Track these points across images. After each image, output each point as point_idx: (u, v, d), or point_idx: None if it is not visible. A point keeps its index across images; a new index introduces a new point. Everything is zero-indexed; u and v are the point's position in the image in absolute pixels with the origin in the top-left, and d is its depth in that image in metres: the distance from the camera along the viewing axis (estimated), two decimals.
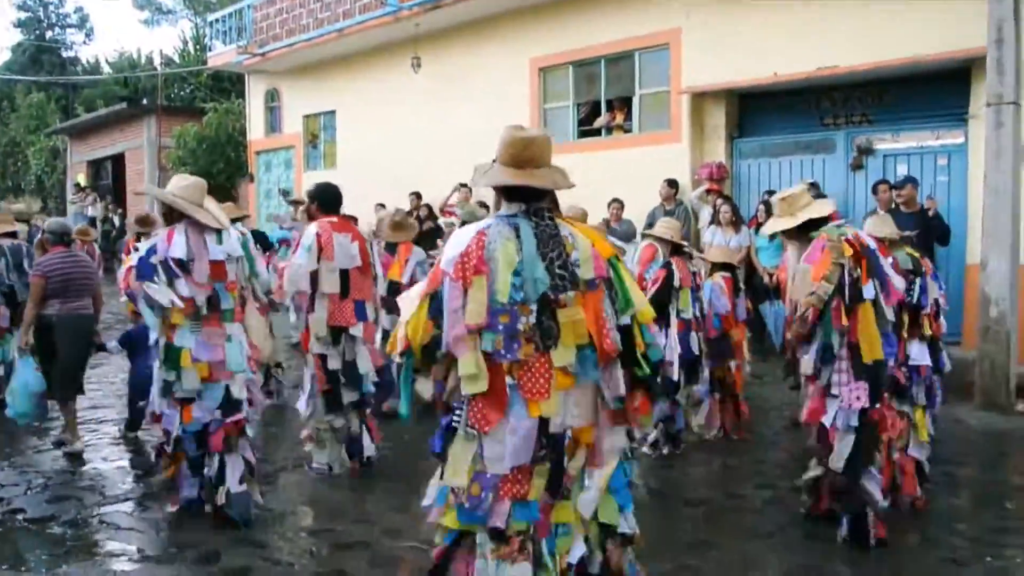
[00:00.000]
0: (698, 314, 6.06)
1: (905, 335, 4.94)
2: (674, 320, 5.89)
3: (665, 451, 6.06)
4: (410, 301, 2.71)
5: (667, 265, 5.95)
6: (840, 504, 4.46)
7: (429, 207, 12.66)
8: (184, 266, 4.59)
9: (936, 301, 5.29)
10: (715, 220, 9.58)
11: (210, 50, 18.78)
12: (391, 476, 5.69)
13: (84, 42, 47.80)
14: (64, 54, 39.23)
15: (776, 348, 9.17)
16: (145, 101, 23.85)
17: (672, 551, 4.42)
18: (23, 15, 38.88)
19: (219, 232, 4.76)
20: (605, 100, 12.09)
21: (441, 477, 2.77)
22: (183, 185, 4.78)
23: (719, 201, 9.65)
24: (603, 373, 2.77)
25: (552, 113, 12.63)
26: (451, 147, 13.22)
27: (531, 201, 2.78)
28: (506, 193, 2.83)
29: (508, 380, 2.66)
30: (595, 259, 2.75)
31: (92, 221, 19.48)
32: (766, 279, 8.66)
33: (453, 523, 2.74)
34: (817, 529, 4.63)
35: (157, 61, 29.49)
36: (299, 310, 5.63)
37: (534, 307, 2.66)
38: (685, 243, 6.29)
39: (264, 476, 5.72)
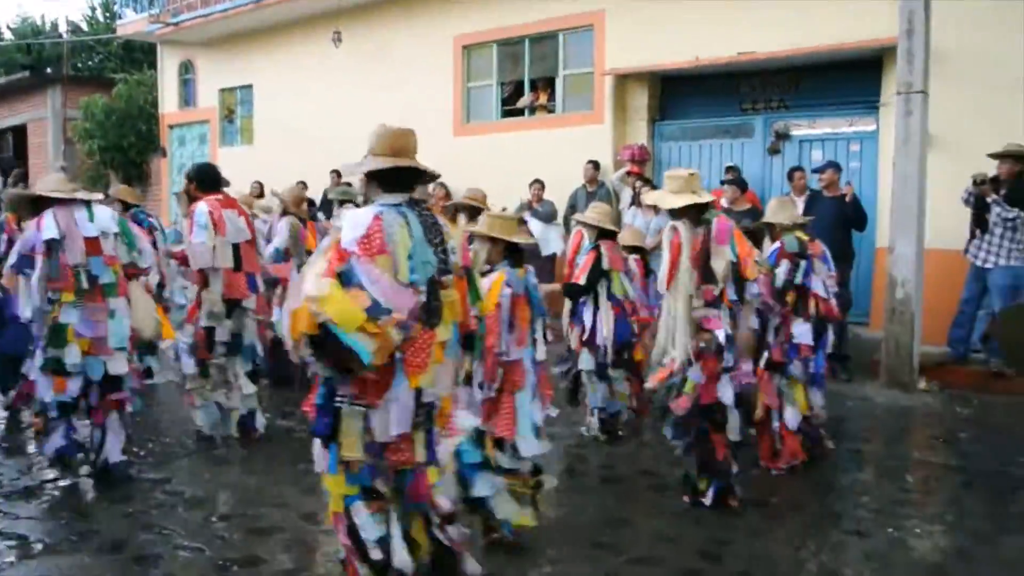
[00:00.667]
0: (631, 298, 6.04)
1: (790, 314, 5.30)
2: (605, 303, 5.90)
3: (603, 437, 6.04)
4: (314, 281, 2.77)
5: (595, 247, 5.95)
6: (707, 474, 4.71)
7: (349, 185, 12.42)
8: (59, 245, 4.77)
9: (824, 283, 5.45)
10: (636, 202, 9.66)
11: (120, 18, 18.03)
12: (306, 459, 5.58)
13: None
14: None
15: None
16: (49, 70, 22.73)
17: (588, 528, 4.47)
18: None
19: (89, 210, 4.93)
20: (529, 80, 12.06)
21: (328, 448, 2.98)
22: (47, 180, 5.13)
23: (639, 183, 9.74)
24: (461, 350, 3.20)
25: (475, 92, 12.53)
26: (372, 124, 12.90)
27: (408, 191, 3.06)
28: (385, 183, 3.07)
29: (396, 355, 2.88)
30: (463, 248, 3.10)
31: None
32: None
33: (340, 488, 3.00)
34: (734, 507, 4.74)
35: (63, 28, 28.19)
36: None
37: (423, 288, 2.91)
38: (614, 228, 6.27)
39: (173, 460, 5.57)
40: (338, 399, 2.89)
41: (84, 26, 28.70)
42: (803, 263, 5.34)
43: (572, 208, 10.17)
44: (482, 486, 3.84)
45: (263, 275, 6.02)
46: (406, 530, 3.03)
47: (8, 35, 32.65)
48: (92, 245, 4.85)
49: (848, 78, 9.49)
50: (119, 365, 4.92)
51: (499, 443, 3.96)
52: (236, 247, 5.64)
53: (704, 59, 9.87)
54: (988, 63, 8.06)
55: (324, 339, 2.72)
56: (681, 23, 10.13)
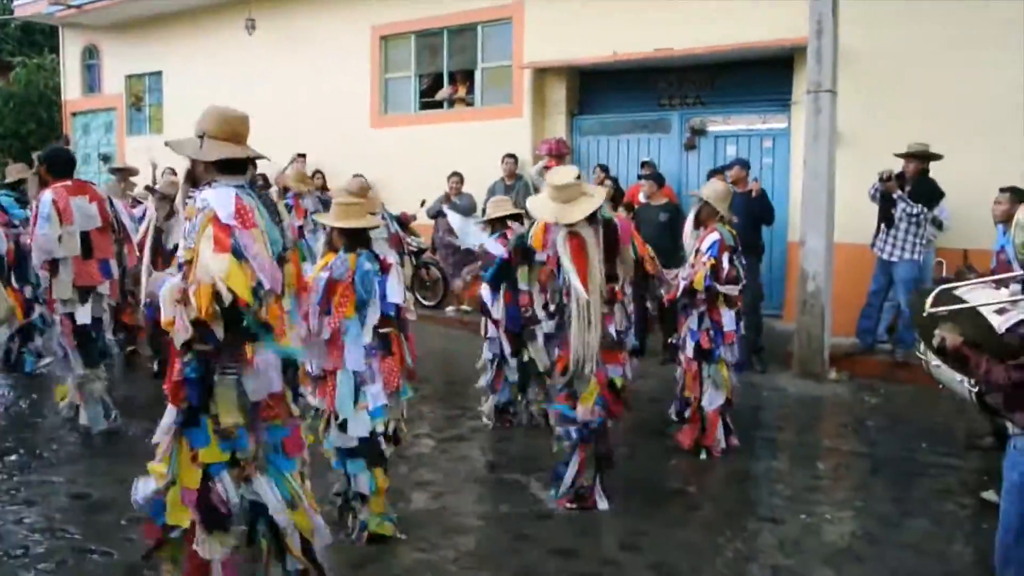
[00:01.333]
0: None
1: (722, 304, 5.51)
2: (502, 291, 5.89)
3: (492, 424, 6.18)
4: (214, 259, 2.83)
5: (503, 235, 5.96)
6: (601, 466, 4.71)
7: (264, 177, 12.13)
8: None
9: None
10: None
11: None
12: None
13: None
14: None
15: None
16: None
17: (511, 520, 4.46)
18: None
19: None
20: (448, 72, 11.97)
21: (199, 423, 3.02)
22: None
23: None
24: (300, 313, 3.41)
25: (393, 83, 12.38)
26: (288, 116, 12.72)
27: (242, 175, 3.14)
28: (226, 166, 3.11)
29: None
30: (291, 226, 3.31)
31: None
32: None
33: (216, 457, 3.03)
34: (652, 498, 4.79)
35: None
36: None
37: (277, 261, 3.07)
38: (517, 211, 6.27)
39: (77, 460, 5.34)
40: (219, 371, 2.98)
41: None
42: (736, 258, 5.57)
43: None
44: (363, 482, 4.08)
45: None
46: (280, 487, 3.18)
47: None
48: None
49: (762, 76, 9.71)
50: None
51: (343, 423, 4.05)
52: (86, 234, 5.61)
53: (622, 54, 9.96)
54: (894, 64, 8.36)
55: (228, 314, 2.84)
56: (599, 17, 10.20)
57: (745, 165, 8.35)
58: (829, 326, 7.76)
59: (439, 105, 12.04)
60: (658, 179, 8.83)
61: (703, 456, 5.49)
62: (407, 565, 3.92)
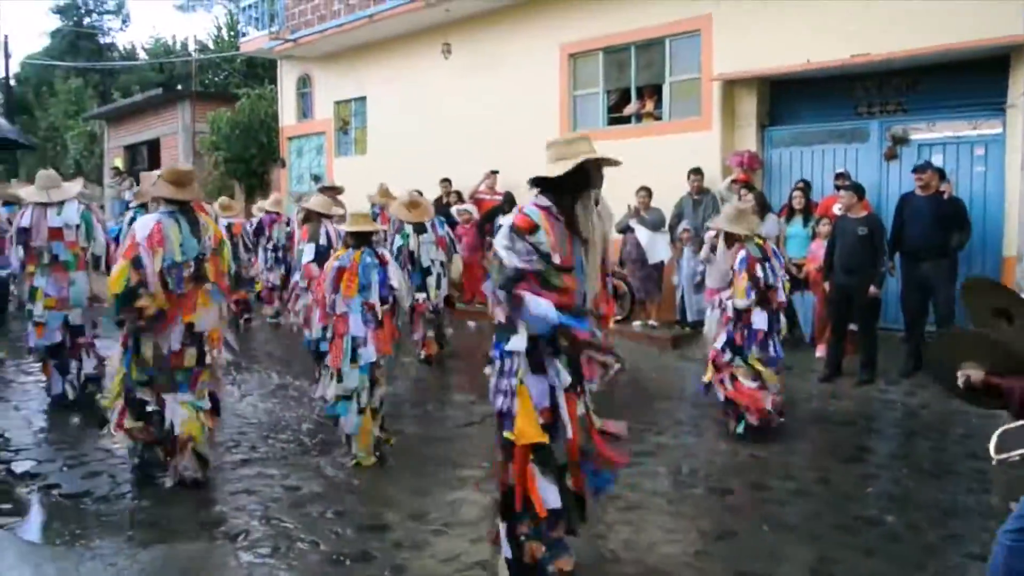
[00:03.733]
0: None
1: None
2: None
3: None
4: (118, 264, 4.91)
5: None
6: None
7: (459, 194, 12.71)
8: (28, 231, 6.76)
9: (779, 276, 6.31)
10: None
11: (243, 36, 18.89)
12: (411, 459, 5.73)
13: (120, 28, 48.42)
14: (101, 40, 39.75)
15: (806, 338, 9.10)
16: (180, 87, 24.04)
17: (691, 541, 4.44)
18: (62, 1, 39.40)
19: (60, 206, 6.81)
20: (635, 87, 12.01)
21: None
22: (37, 180, 6.98)
23: (743, 191, 9.56)
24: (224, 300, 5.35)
25: (582, 100, 12.56)
26: (481, 134, 13.22)
27: (182, 203, 5.08)
28: (167, 200, 5.07)
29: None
30: (214, 236, 5.19)
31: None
32: (793, 270, 8.55)
33: (136, 376, 5.06)
34: (846, 525, 4.61)
35: (192, 47, 29.81)
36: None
37: (192, 262, 5.03)
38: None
39: (290, 457, 5.81)
40: (143, 332, 4.95)
41: (211, 44, 30.25)
42: (767, 265, 6.15)
43: (678, 217, 10.08)
44: (351, 423, 5.52)
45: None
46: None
47: (143, 55, 34.76)
48: (54, 233, 6.72)
49: (970, 78, 9.04)
50: (76, 317, 6.86)
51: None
52: None
53: (815, 62, 9.60)
54: None
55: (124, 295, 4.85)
56: (790, 25, 9.89)
57: (937, 171, 8.00)
58: None
59: (627, 120, 12.09)
60: (858, 190, 8.43)
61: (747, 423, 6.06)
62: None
